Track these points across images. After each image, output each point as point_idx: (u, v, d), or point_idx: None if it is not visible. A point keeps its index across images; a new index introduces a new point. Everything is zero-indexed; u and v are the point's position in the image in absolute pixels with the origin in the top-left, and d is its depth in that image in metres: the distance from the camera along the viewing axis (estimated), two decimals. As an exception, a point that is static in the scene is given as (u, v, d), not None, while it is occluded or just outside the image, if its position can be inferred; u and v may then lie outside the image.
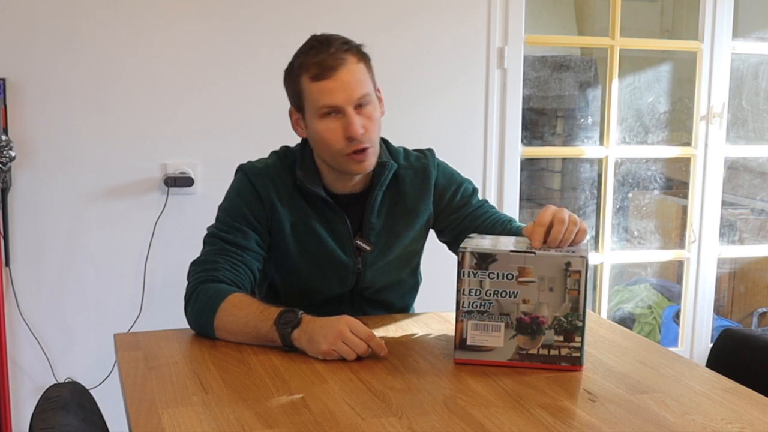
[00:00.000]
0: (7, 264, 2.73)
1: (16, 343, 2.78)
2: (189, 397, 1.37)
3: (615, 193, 3.70)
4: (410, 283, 1.97)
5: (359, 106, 1.70)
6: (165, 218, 2.81)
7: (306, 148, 1.82)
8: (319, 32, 1.76)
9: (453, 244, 1.92)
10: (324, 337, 1.53)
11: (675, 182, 4.41)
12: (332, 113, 1.70)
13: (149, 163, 2.81)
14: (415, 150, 1.93)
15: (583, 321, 1.48)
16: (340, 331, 1.53)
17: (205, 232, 1.81)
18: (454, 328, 1.52)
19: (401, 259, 1.89)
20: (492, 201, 2.77)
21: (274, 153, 1.88)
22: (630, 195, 4.47)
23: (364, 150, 1.71)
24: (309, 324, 1.56)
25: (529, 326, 1.49)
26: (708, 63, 3.35)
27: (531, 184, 4.83)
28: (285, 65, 1.78)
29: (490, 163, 3.12)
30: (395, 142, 1.92)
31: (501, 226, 1.85)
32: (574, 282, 1.47)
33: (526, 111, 3.34)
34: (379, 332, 1.68)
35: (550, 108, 4.66)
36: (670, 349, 1.84)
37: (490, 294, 1.49)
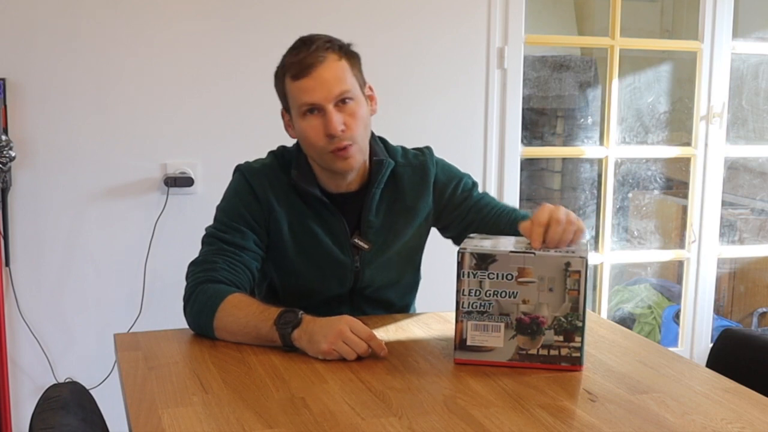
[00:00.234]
0: (7, 264, 2.73)
1: (16, 343, 2.78)
2: (189, 397, 1.37)
3: (615, 193, 3.70)
4: (410, 281, 1.97)
5: (341, 103, 1.70)
6: (165, 218, 2.82)
7: (301, 148, 1.82)
8: (318, 32, 1.76)
9: (458, 240, 1.91)
10: (324, 337, 1.53)
11: (675, 182, 4.41)
12: (313, 111, 1.70)
13: (149, 163, 2.81)
14: (413, 148, 1.93)
15: (583, 321, 1.48)
16: (340, 330, 1.53)
17: (204, 232, 1.81)
18: (454, 328, 1.52)
19: (401, 257, 1.89)
20: (492, 201, 2.77)
21: (271, 153, 1.88)
22: (630, 195, 4.47)
23: (346, 147, 1.71)
24: (309, 324, 1.56)
25: (528, 326, 1.49)
26: (708, 63, 3.35)
27: (531, 184, 4.83)
28: (284, 66, 1.78)
29: (490, 163, 3.12)
30: (395, 142, 1.92)
31: (506, 216, 1.86)
32: (573, 282, 1.47)
33: (526, 111, 3.34)
34: (379, 332, 1.68)
35: (550, 108, 4.66)
36: (670, 349, 1.84)
37: (489, 294, 1.49)
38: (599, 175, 3.53)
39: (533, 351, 1.50)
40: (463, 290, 1.49)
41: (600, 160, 3.42)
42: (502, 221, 1.84)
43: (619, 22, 3.24)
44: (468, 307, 1.50)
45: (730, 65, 3.38)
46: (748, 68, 4.08)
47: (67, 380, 2.59)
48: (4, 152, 2.57)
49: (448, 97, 3.05)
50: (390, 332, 1.73)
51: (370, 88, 1.81)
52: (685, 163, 3.62)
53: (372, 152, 1.82)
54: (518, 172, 3.19)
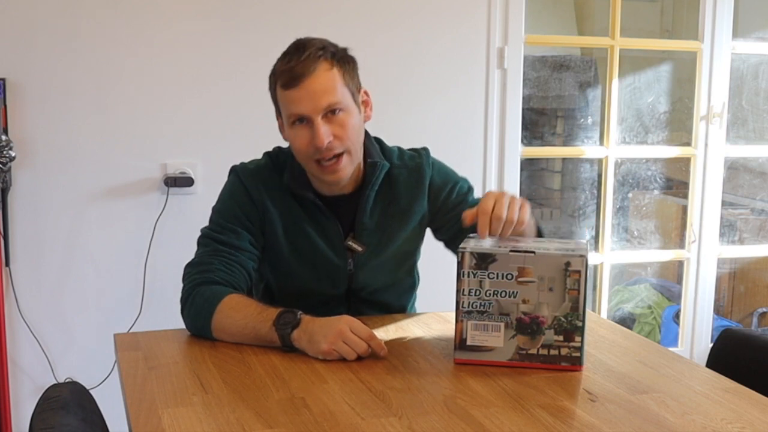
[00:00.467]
0: (7, 264, 2.73)
1: (16, 343, 2.78)
2: (189, 397, 1.37)
3: (615, 193, 3.70)
4: (407, 283, 1.96)
5: (331, 114, 1.68)
6: (165, 218, 2.82)
7: None
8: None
9: (451, 242, 1.91)
10: (324, 337, 1.53)
11: (675, 182, 4.41)
12: (302, 120, 1.68)
13: (149, 163, 2.81)
14: (409, 149, 1.92)
15: (583, 321, 1.48)
16: (340, 330, 1.53)
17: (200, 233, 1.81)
18: (454, 328, 1.52)
19: (396, 260, 1.88)
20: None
21: (266, 154, 1.87)
22: (630, 195, 4.48)
23: (335, 159, 1.70)
24: (309, 324, 1.56)
25: (528, 326, 1.49)
26: (708, 63, 3.35)
27: (531, 184, 4.83)
28: (285, 66, 1.77)
29: (490, 163, 3.12)
30: (395, 142, 1.92)
31: None
32: (573, 282, 1.47)
33: (526, 111, 3.34)
34: (379, 332, 1.68)
35: (550, 108, 4.66)
36: (670, 349, 1.84)
37: (489, 294, 1.49)
38: (599, 175, 3.53)
39: (533, 351, 1.50)
40: (463, 290, 1.49)
41: (600, 160, 3.42)
42: None
43: (619, 22, 3.24)
44: (468, 307, 1.50)
45: (730, 65, 3.38)
46: (748, 68, 4.08)
47: (67, 380, 2.59)
48: (4, 152, 2.58)
49: (448, 97, 3.05)
50: (390, 332, 1.73)
51: (366, 93, 1.79)
52: (685, 163, 3.62)
53: (367, 154, 1.81)
54: (518, 172, 3.19)
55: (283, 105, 1.71)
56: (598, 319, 2.01)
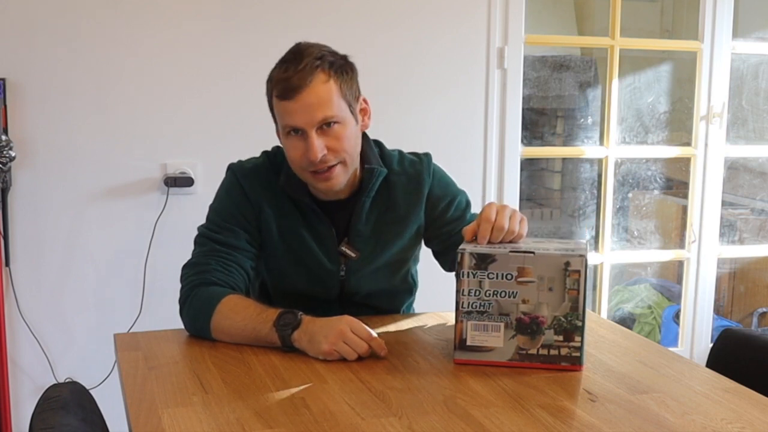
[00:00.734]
0: (7, 264, 2.73)
1: (16, 343, 2.78)
2: (189, 397, 1.37)
3: (615, 193, 3.70)
4: (402, 289, 1.94)
5: (326, 126, 1.66)
6: (165, 218, 2.82)
7: None
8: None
9: (441, 255, 1.91)
10: (325, 337, 1.53)
11: (675, 182, 4.41)
12: (298, 131, 1.67)
13: (149, 163, 2.81)
14: (410, 153, 1.89)
15: (583, 321, 1.48)
16: (341, 330, 1.53)
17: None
18: (454, 328, 1.52)
19: (389, 267, 1.86)
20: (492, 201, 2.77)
21: (264, 153, 1.86)
22: (630, 195, 4.48)
23: (328, 169, 1.69)
24: (309, 324, 1.56)
25: (528, 326, 1.49)
26: (708, 63, 3.35)
27: (531, 184, 4.84)
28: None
29: (490, 163, 3.12)
30: (395, 143, 1.91)
31: None
32: (573, 282, 1.47)
33: (526, 111, 3.34)
34: (379, 332, 1.68)
35: (550, 108, 4.66)
36: (670, 349, 1.84)
37: (489, 294, 1.49)
38: (599, 175, 3.53)
39: (533, 351, 1.50)
40: (463, 290, 1.49)
41: (600, 160, 3.42)
42: None
43: (619, 22, 3.24)
44: (468, 307, 1.50)
45: (730, 65, 3.38)
46: (748, 68, 4.08)
47: (67, 380, 2.59)
48: (4, 152, 2.58)
49: (448, 97, 3.04)
50: (390, 332, 1.73)
51: (365, 101, 1.77)
52: (685, 163, 3.62)
53: (364, 159, 1.79)
54: (518, 172, 3.19)
55: (279, 114, 1.70)
56: (598, 319, 2.01)
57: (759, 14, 4.11)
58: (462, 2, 3.01)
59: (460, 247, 1.50)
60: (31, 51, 2.67)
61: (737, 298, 4.10)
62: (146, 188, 2.82)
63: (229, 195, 1.80)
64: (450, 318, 1.68)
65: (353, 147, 1.72)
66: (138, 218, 2.82)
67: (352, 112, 1.71)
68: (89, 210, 2.79)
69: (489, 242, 1.54)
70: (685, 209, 3.68)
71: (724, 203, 3.56)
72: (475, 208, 1.89)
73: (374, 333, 1.57)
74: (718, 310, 3.82)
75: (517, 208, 3.19)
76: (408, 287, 1.96)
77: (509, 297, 1.48)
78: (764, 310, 4.04)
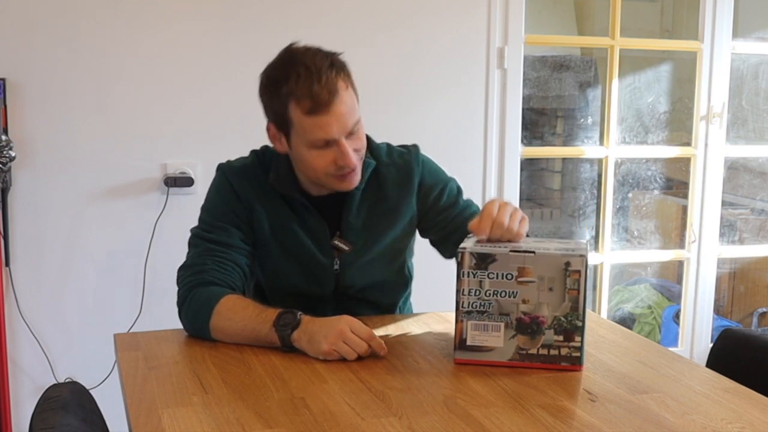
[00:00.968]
0: (7, 264, 2.73)
1: (16, 343, 2.78)
2: (189, 397, 1.37)
3: (615, 193, 3.70)
4: (397, 281, 1.93)
5: (351, 133, 1.67)
6: (165, 218, 2.81)
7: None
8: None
9: (441, 243, 1.90)
10: (325, 337, 1.52)
11: (675, 182, 4.41)
12: (329, 144, 1.66)
13: (149, 163, 2.81)
14: (399, 146, 1.90)
15: (583, 321, 1.48)
16: (340, 330, 1.53)
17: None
18: (454, 328, 1.52)
19: (384, 259, 1.86)
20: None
21: (253, 152, 1.86)
22: (630, 195, 4.48)
23: (353, 170, 1.70)
24: (309, 324, 1.56)
25: (528, 326, 1.49)
26: (708, 63, 3.35)
27: (531, 184, 4.84)
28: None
29: (490, 163, 3.12)
30: (395, 143, 1.91)
31: None
32: (573, 282, 1.47)
33: (526, 111, 3.34)
34: (379, 332, 1.68)
35: (550, 108, 4.67)
36: (670, 349, 1.84)
37: (489, 294, 1.49)
38: (599, 175, 3.53)
39: (533, 351, 1.50)
40: (463, 290, 1.49)
41: (600, 160, 3.42)
42: None
43: (619, 22, 3.24)
44: (468, 307, 1.50)
45: (730, 65, 3.38)
46: (748, 68, 4.08)
47: (67, 380, 2.59)
48: (4, 152, 2.58)
49: (448, 97, 3.04)
50: (390, 332, 1.73)
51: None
52: (685, 163, 3.62)
53: None
54: (518, 172, 3.19)
55: (304, 131, 1.66)
56: (598, 319, 2.01)
57: (759, 14, 4.11)
58: (462, 2, 3.01)
59: (460, 246, 1.50)
60: (31, 51, 2.67)
61: (737, 298, 4.10)
62: (146, 188, 2.82)
63: (220, 194, 1.81)
64: (450, 318, 1.68)
65: (365, 147, 1.75)
66: (138, 218, 2.82)
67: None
68: (89, 210, 2.79)
69: (488, 239, 1.54)
70: (685, 209, 3.68)
71: (724, 203, 3.56)
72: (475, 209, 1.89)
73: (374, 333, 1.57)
74: (718, 310, 3.82)
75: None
76: (404, 280, 1.95)
77: (509, 297, 1.48)
78: (764, 310, 4.04)
